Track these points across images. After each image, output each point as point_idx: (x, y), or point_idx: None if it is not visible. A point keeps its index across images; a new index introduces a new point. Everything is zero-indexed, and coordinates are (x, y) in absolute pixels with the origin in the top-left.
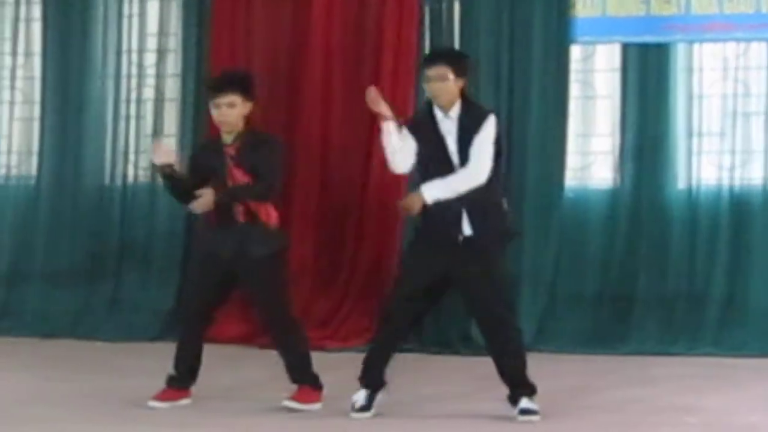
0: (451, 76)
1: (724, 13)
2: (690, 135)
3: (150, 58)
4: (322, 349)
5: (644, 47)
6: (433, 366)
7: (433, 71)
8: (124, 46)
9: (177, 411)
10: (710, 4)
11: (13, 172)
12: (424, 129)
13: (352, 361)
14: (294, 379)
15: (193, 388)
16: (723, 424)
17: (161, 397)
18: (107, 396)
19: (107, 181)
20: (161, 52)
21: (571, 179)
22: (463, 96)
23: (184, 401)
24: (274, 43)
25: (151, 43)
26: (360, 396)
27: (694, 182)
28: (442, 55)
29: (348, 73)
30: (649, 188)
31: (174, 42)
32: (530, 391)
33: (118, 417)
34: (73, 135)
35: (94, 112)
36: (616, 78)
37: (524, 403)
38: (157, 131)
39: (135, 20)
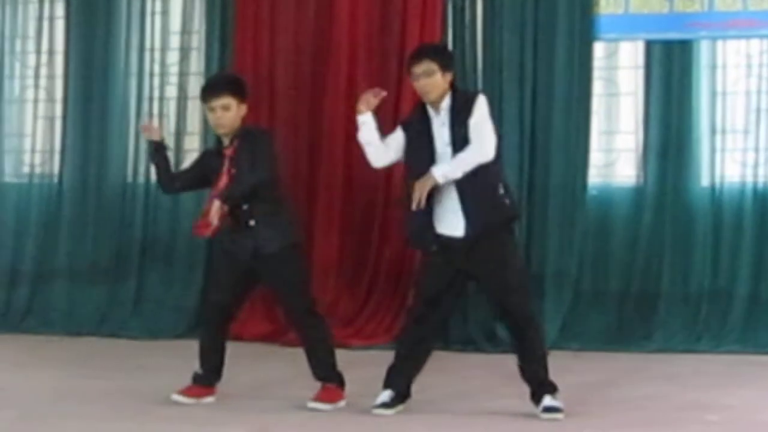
0: (437, 70)
1: (748, 10)
2: (714, 132)
3: (173, 57)
4: (346, 347)
5: (668, 44)
6: (459, 363)
7: (419, 68)
8: (147, 45)
9: (203, 408)
10: (734, 1)
11: (37, 170)
12: (416, 129)
13: (377, 359)
14: (318, 377)
15: (219, 386)
16: (746, 421)
17: (186, 392)
18: (133, 393)
19: (130, 179)
20: (184, 51)
21: (594, 177)
22: (453, 88)
23: (209, 399)
24: (298, 40)
25: (174, 41)
26: (384, 395)
27: (717, 179)
28: (427, 50)
29: (372, 71)
30: (673, 185)
31: (197, 40)
32: (552, 388)
33: (145, 414)
34: (97, 133)
35: (117, 110)
36: (639, 75)
37: (547, 401)
38: (180, 129)
39: (158, 18)
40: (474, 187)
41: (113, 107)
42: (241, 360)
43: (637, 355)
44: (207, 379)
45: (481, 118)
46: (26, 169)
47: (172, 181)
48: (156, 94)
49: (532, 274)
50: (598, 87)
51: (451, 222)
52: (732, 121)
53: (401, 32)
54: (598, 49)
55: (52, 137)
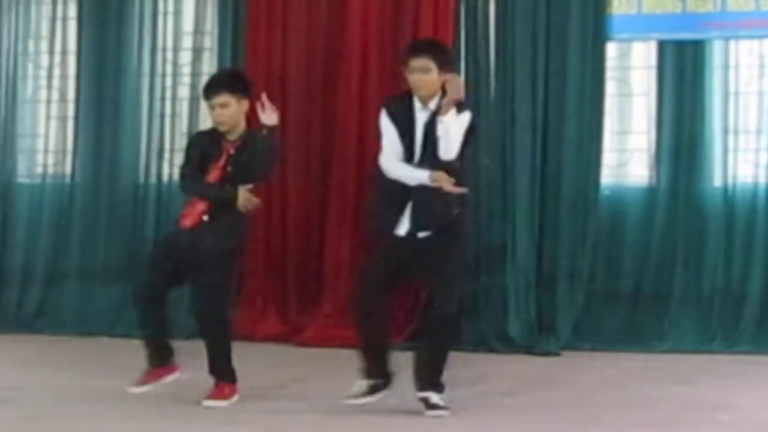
0: (434, 68)
1: (761, 10)
2: (726, 132)
3: (185, 57)
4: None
5: (680, 44)
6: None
7: (417, 62)
8: (160, 45)
9: (217, 409)
10: (746, 1)
11: (50, 171)
12: (400, 114)
13: (394, 359)
14: (212, 374)
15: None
16: (758, 422)
17: (144, 380)
18: (145, 393)
19: (142, 179)
20: (197, 51)
21: (607, 177)
22: (444, 90)
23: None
24: (310, 41)
25: (187, 41)
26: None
27: (730, 180)
28: (427, 47)
29: (384, 72)
30: (686, 186)
31: (209, 40)
32: (440, 386)
33: (156, 414)
34: (109, 133)
35: (129, 110)
36: (652, 75)
37: (432, 398)
38: (192, 129)
39: (170, 18)
40: (426, 189)
41: (125, 107)
42: (253, 360)
43: (650, 356)
44: (161, 357)
45: (454, 130)
46: (39, 170)
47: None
48: (168, 94)
49: (545, 275)
50: (610, 87)
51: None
52: (744, 122)
53: (414, 32)
54: (611, 49)
55: (65, 137)
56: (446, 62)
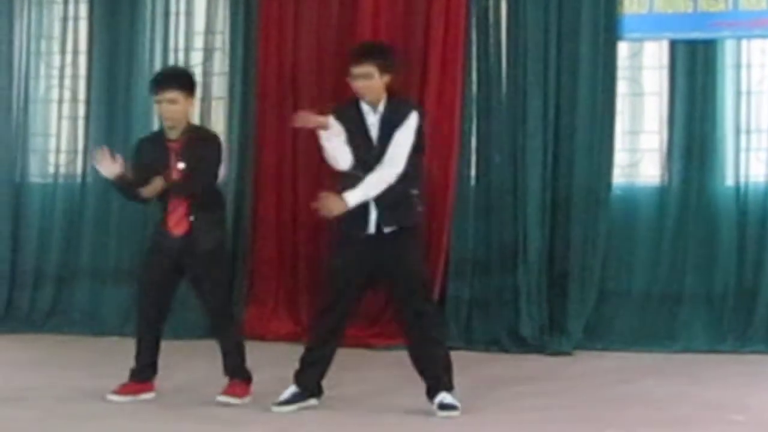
0: (376, 74)
1: None
2: (738, 132)
3: (197, 57)
4: (369, 346)
5: (692, 44)
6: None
7: (358, 69)
8: (171, 45)
9: (226, 408)
10: (758, 0)
11: (62, 171)
12: (350, 120)
13: (400, 359)
14: (227, 373)
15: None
16: None
17: (122, 390)
18: (157, 392)
19: None
20: (208, 51)
21: (618, 176)
22: (390, 92)
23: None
24: (322, 40)
25: (198, 41)
26: (287, 391)
27: (742, 179)
28: (368, 52)
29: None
30: (698, 185)
31: (221, 40)
32: (450, 385)
33: (169, 413)
34: (120, 133)
35: (140, 110)
36: (664, 75)
37: (445, 398)
38: None
39: (182, 18)
40: (388, 191)
41: (137, 107)
42: (265, 360)
43: (661, 355)
44: (143, 374)
45: (403, 138)
46: (51, 169)
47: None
48: None
49: (556, 274)
50: (622, 87)
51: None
52: (756, 121)
53: (425, 32)
54: (623, 48)
55: (76, 137)
56: (389, 65)
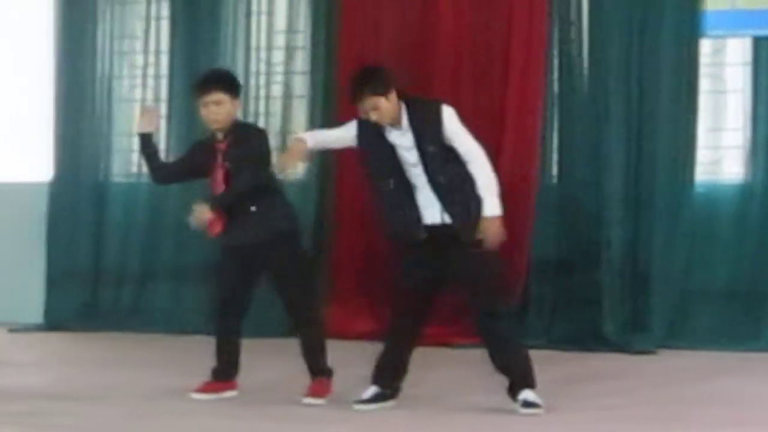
0: (381, 101)
1: None
2: None
3: (278, 56)
4: (448, 345)
5: None
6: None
7: (362, 106)
8: (253, 44)
9: (311, 407)
10: None
11: (144, 170)
12: (372, 142)
13: (480, 357)
14: (312, 372)
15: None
16: None
17: (204, 389)
18: (240, 391)
19: None
20: (290, 50)
21: (701, 174)
22: (405, 95)
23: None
24: (403, 38)
25: (280, 40)
26: (368, 391)
27: None
28: (362, 86)
29: (477, 68)
30: None
31: (302, 39)
32: (532, 382)
33: (251, 412)
34: (201, 132)
35: None
36: (747, 72)
37: (528, 396)
38: (285, 128)
39: (263, 18)
40: (455, 190)
41: None
42: (346, 359)
43: (745, 354)
44: (224, 373)
45: (456, 133)
46: (134, 169)
47: (160, 170)
48: (262, 93)
49: (639, 273)
50: (704, 84)
51: (430, 213)
52: None
53: (507, 29)
54: (705, 45)
55: (157, 137)
56: (387, 88)
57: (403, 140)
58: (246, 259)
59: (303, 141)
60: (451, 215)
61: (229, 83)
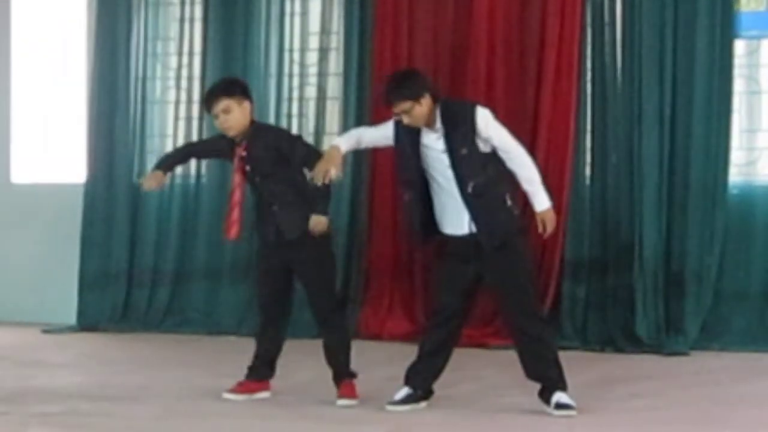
0: (415, 106)
1: None
2: None
3: (312, 57)
4: (483, 346)
5: None
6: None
7: (396, 110)
8: (287, 45)
9: (345, 408)
10: None
11: (177, 171)
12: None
13: (514, 359)
14: (335, 376)
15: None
16: None
17: (238, 389)
18: (274, 392)
19: None
20: (323, 51)
21: (735, 175)
22: (439, 97)
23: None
24: (437, 40)
25: (314, 41)
26: (401, 392)
27: None
28: (395, 92)
29: (511, 70)
30: None
31: (336, 41)
32: (564, 384)
33: (286, 412)
34: None
35: (256, 111)
36: None
37: (562, 398)
38: (319, 130)
39: (297, 19)
40: (482, 199)
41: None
42: (380, 359)
43: None
44: (259, 373)
45: (494, 130)
46: None
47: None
48: (295, 94)
49: (673, 274)
50: (739, 85)
51: (456, 222)
52: None
53: (541, 29)
54: (739, 46)
55: (191, 138)
56: (421, 93)
57: (437, 143)
58: (278, 259)
59: (337, 148)
60: (477, 224)
61: (230, 88)
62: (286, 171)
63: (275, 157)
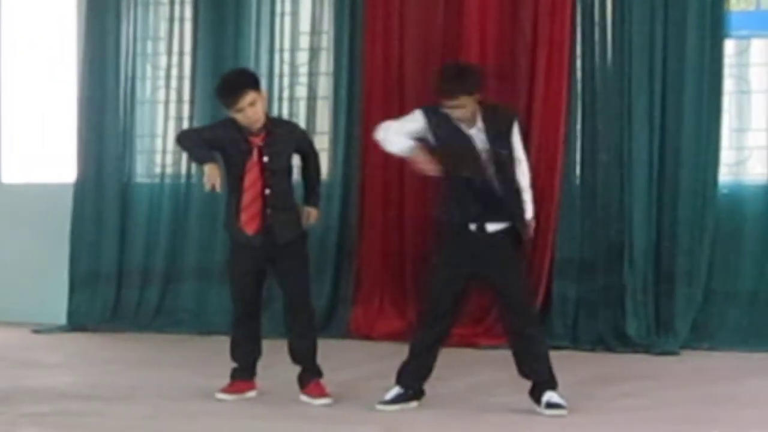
0: (468, 101)
1: None
2: None
3: (302, 57)
4: (474, 346)
5: None
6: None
7: (452, 103)
8: (277, 45)
9: (335, 407)
10: None
11: (168, 171)
12: (449, 136)
13: (505, 358)
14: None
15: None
16: None
17: (228, 389)
18: (263, 391)
19: None
20: (314, 51)
21: (725, 175)
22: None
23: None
24: (427, 39)
25: (304, 41)
26: (391, 392)
27: None
28: (456, 82)
29: (502, 69)
30: None
31: (326, 40)
32: (554, 384)
33: (275, 412)
34: None
35: None
36: None
37: (551, 397)
38: (309, 129)
39: (287, 19)
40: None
41: None
42: (372, 359)
43: None
44: (246, 372)
45: (516, 141)
46: (157, 170)
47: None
48: (285, 94)
49: (663, 273)
50: (729, 84)
51: (487, 215)
52: None
53: (532, 29)
54: (729, 46)
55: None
56: (475, 88)
57: (478, 138)
58: (259, 259)
59: (417, 147)
60: (511, 216)
61: (253, 80)
62: (290, 169)
63: (290, 153)
